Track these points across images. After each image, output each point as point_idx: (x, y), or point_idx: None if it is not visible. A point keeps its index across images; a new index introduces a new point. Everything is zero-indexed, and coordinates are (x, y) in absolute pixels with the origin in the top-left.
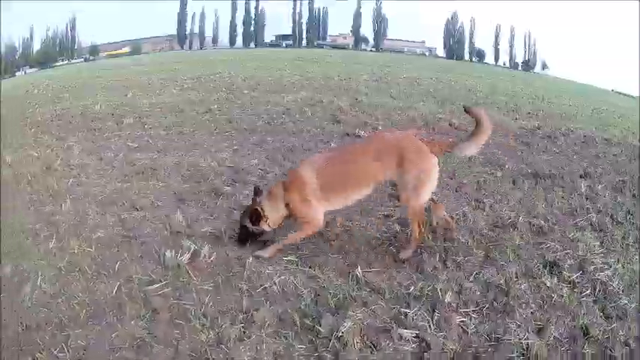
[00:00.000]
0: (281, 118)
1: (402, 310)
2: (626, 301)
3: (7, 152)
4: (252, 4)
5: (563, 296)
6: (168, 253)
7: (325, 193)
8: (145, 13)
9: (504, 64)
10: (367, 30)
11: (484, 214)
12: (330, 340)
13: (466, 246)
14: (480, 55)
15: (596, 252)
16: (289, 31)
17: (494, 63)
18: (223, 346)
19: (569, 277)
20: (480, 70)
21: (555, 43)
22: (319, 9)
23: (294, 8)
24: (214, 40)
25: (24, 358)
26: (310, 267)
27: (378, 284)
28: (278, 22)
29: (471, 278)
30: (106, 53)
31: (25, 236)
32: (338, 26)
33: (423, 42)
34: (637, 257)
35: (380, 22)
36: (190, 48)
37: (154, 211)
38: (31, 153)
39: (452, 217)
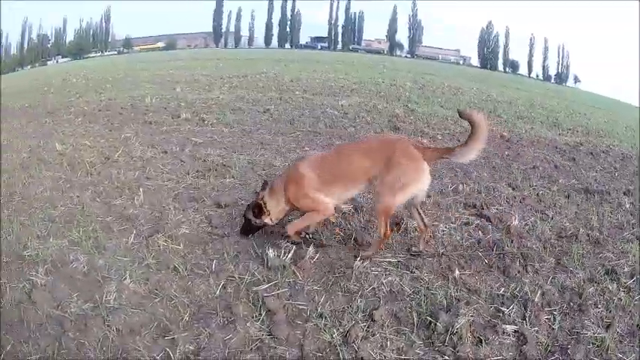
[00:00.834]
0: (341, 122)
1: (500, 308)
2: None
3: (54, 140)
4: (289, 5)
5: (621, 299)
6: (271, 253)
7: (323, 186)
8: (180, 10)
9: (537, 76)
10: (402, 36)
11: (549, 225)
12: (447, 336)
13: (538, 253)
14: (514, 66)
15: None
16: (324, 34)
17: (527, 74)
18: (351, 345)
19: (625, 283)
20: (514, 81)
21: (585, 56)
22: (355, 13)
23: (331, 11)
24: (250, 39)
25: None
26: (409, 269)
27: (474, 286)
28: (313, 24)
29: (549, 282)
30: (139, 47)
31: (93, 228)
32: (373, 31)
33: (458, 50)
34: None
35: (415, 29)
36: (225, 46)
37: (240, 209)
38: (83, 142)
39: (426, 227)
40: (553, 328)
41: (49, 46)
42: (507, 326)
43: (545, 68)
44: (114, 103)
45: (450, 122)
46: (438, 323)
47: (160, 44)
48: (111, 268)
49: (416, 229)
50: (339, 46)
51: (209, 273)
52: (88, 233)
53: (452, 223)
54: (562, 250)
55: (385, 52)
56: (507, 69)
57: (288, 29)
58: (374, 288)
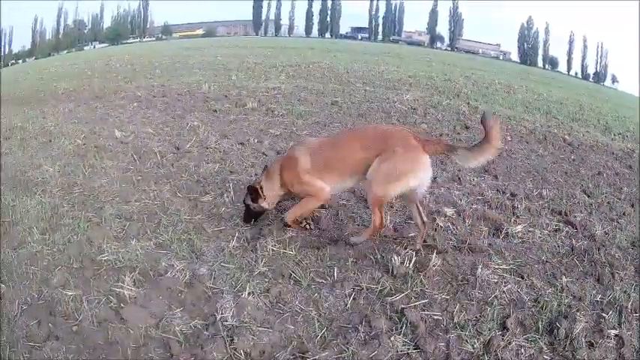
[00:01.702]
0: (412, 118)
1: (601, 314)
2: None
3: (110, 126)
4: None
5: None
6: (396, 260)
7: (317, 172)
8: None
9: (576, 74)
10: (442, 28)
11: (624, 233)
12: (567, 341)
13: (620, 261)
14: (553, 62)
15: None
16: (364, 24)
17: (566, 72)
18: (493, 354)
19: None
20: (555, 79)
21: (621, 57)
22: (396, 4)
23: (371, 1)
24: (290, 28)
25: None
26: (522, 277)
27: (578, 292)
28: (354, 14)
29: (632, 289)
30: (179, 34)
31: (183, 229)
32: (413, 23)
33: (498, 45)
34: None
35: (456, 22)
36: (265, 34)
37: (345, 210)
38: (145, 130)
39: (424, 225)
40: None
41: (85, 31)
42: (611, 331)
43: (584, 66)
44: (168, 89)
45: (514, 123)
46: (560, 329)
47: (200, 31)
48: (218, 278)
49: (515, 235)
50: (380, 37)
51: (332, 282)
52: (178, 235)
53: (544, 229)
54: (636, 258)
55: (426, 44)
56: (547, 66)
57: (328, 19)
58: (496, 296)
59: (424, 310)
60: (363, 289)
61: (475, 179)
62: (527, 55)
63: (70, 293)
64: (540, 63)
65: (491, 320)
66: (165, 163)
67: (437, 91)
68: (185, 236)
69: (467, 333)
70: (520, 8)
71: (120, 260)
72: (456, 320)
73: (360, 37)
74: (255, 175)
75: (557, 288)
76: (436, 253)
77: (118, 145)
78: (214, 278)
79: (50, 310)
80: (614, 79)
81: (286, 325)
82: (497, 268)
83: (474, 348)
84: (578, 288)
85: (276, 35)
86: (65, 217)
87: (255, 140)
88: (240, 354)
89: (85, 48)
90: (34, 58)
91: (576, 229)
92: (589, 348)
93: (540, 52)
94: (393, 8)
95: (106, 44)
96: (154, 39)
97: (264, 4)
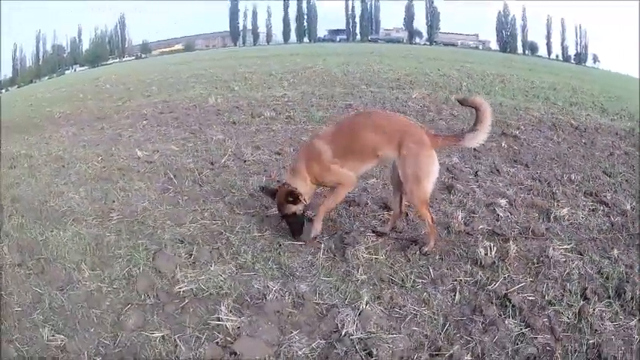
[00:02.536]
0: (428, 115)
1: None
2: None
3: (125, 146)
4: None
5: None
6: (480, 252)
7: (340, 160)
8: (195, 11)
9: (557, 57)
10: (419, 23)
11: None
12: (633, 302)
13: None
14: (533, 47)
15: None
16: (340, 25)
17: (547, 56)
18: (586, 321)
19: None
20: (538, 64)
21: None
22: (371, 3)
23: (347, 2)
24: (268, 36)
25: None
26: (581, 253)
27: (627, 262)
28: (329, 16)
29: None
30: (159, 50)
31: (261, 247)
32: (390, 20)
33: (476, 35)
34: None
35: (433, 16)
36: (244, 44)
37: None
38: (168, 147)
39: (401, 213)
40: None
41: (64, 55)
42: None
43: (564, 49)
44: (172, 104)
45: (522, 112)
46: (626, 293)
47: (178, 46)
48: (323, 293)
49: (562, 218)
50: (358, 37)
51: (431, 280)
52: (257, 253)
53: (583, 210)
54: None
55: (404, 40)
56: (527, 51)
57: (305, 23)
58: (568, 273)
59: (520, 293)
60: (461, 282)
61: (511, 170)
62: (506, 43)
63: (157, 334)
64: (520, 49)
65: (574, 294)
66: (206, 180)
67: (438, 87)
68: (266, 254)
69: (560, 307)
70: None
71: (202, 289)
72: (547, 298)
73: (338, 39)
74: None
75: (612, 260)
76: (511, 242)
77: (143, 165)
78: (319, 294)
79: (135, 357)
80: (595, 59)
81: (411, 328)
82: (559, 249)
83: (569, 319)
84: (626, 258)
85: (254, 44)
86: (114, 248)
87: (292, 149)
88: None
89: (66, 72)
90: (16, 86)
91: (609, 207)
92: None
93: (519, 38)
94: (369, 7)
95: (86, 67)
96: (133, 58)
97: (240, 14)
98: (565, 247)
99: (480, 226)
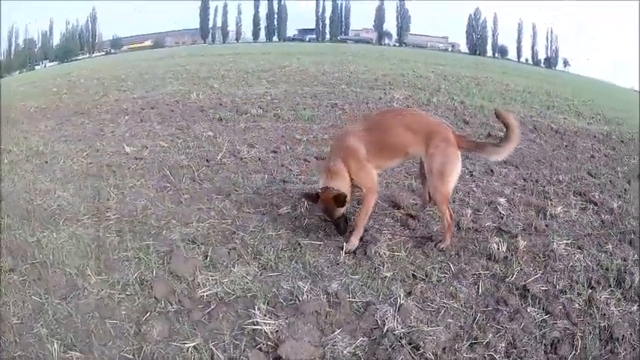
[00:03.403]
0: None
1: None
2: None
3: (113, 142)
4: None
5: None
6: (494, 248)
7: (371, 158)
8: (166, 8)
9: (527, 61)
10: (390, 25)
11: (631, 205)
12: (632, 290)
13: (637, 228)
14: (503, 51)
15: None
16: (309, 25)
17: (516, 59)
18: (595, 307)
19: None
20: (509, 67)
21: (573, 40)
22: (342, 3)
23: (317, 2)
24: (238, 34)
25: None
26: (580, 248)
27: (621, 255)
28: (299, 15)
29: None
30: (130, 46)
31: (281, 246)
32: (360, 20)
33: (446, 37)
34: None
35: (403, 17)
36: (213, 42)
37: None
38: (157, 143)
39: (430, 201)
40: None
41: (35, 50)
42: None
43: (534, 53)
44: (152, 100)
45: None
46: (625, 281)
47: (148, 43)
48: (355, 291)
49: (557, 215)
50: (327, 37)
51: (453, 275)
52: (277, 253)
53: (574, 208)
54: None
55: (374, 41)
56: (497, 54)
57: (275, 22)
58: (572, 265)
59: (535, 284)
60: (481, 275)
61: (503, 170)
62: (476, 46)
63: (188, 344)
64: (490, 52)
65: (582, 284)
66: (204, 178)
67: (417, 89)
68: (287, 254)
69: (571, 296)
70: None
71: (228, 292)
72: (558, 288)
73: (307, 39)
74: (315, 182)
75: (607, 253)
76: (519, 237)
77: (134, 162)
78: (351, 292)
79: None
80: (565, 63)
81: (446, 320)
82: (561, 243)
83: (580, 306)
84: (620, 251)
85: (224, 42)
86: (118, 250)
87: (287, 147)
88: (429, 357)
89: (36, 67)
90: None
91: (598, 206)
92: None
93: (490, 41)
94: (339, 8)
95: (57, 62)
96: (103, 53)
97: (211, 12)
98: (565, 242)
99: (487, 224)
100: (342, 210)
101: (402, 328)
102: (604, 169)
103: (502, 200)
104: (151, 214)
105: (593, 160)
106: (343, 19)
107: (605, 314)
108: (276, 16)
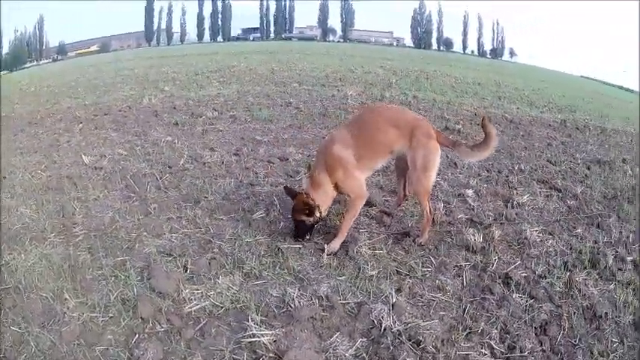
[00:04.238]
0: None
1: (616, 249)
2: None
3: (69, 152)
4: None
5: None
6: (470, 239)
7: (358, 162)
8: (110, 10)
9: (472, 53)
10: (334, 21)
11: (594, 191)
12: (608, 269)
13: (603, 211)
14: (448, 43)
15: None
16: (253, 24)
17: (462, 52)
18: (575, 289)
19: None
20: (455, 59)
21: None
22: (286, 3)
23: (262, 1)
24: (182, 35)
25: None
26: (551, 234)
27: (594, 237)
28: (243, 14)
29: (624, 230)
30: (75, 52)
31: (263, 252)
32: (305, 18)
33: (391, 32)
34: None
35: (347, 13)
36: (158, 44)
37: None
38: (116, 151)
39: (405, 197)
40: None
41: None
42: (627, 257)
43: (480, 44)
44: (104, 106)
45: (457, 108)
46: (600, 262)
47: (94, 47)
48: (345, 292)
49: (524, 204)
50: (272, 35)
51: (436, 268)
52: (260, 260)
53: (539, 196)
54: (612, 208)
55: (318, 38)
56: (442, 47)
57: (219, 22)
58: (547, 251)
59: (516, 271)
60: (463, 267)
61: (465, 162)
62: (421, 40)
63: None
64: (435, 45)
65: (559, 268)
66: (169, 185)
67: (369, 84)
68: (269, 260)
69: (551, 280)
70: None
71: (217, 305)
72: (537, 273)
73: (252, 38)
74: (278, 185)
75: (578, 237)
76: (493, 227)
77: (94, 173)
78: (341, 294)
79: None
80: (512, 53)
81: (439, 313)
82: (532, 230)
83: (560, 288)
84: (589, 234)
85: (168, 44)
86: (92, 269)
87: (249, 149)
88: (431, 350)
89: None
90: None
91: (561, 192)
92: (619, 271)
93: (434, 34)
94: (283, 6)
95: (6, 71)
96: (50, 60)
97: (156, 14)
98: (536, 229)
99: (459, 216)
100: (305, 218)
101: (399, 325)
102: (563, 157)
103: (470, 192)
104: (120, 227)
105: (551, 148)
106: (287, 16)
107: (585, 294)
108: (220, 15)
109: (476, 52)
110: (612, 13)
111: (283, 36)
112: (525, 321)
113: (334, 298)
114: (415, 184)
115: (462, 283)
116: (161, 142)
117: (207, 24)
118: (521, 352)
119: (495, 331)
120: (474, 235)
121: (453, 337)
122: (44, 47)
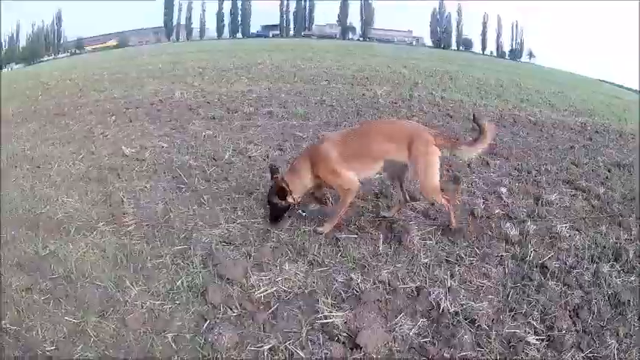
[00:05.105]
0: (401, 112)
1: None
2: None
3: (107, 144)
4: None
5: None
6: (509, 232)
7: (349, 164)
8: (128, 5)
9: (491, 53)
10: (354, 19)
11: (614, 192)
12: (628, 264)
13: (623, 212)
14: (467, 43)
15: None
16: (273, 21)
17: (481, 52)
18: (603, 279)
19: None
20: (475, 59)
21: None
22: (306, 2)
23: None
24: (202, 31)
25: None
26: (578, 230)
27: (612, 234)
28: (262, 11)
29: None
30: (92, 47)
31: (322, 241)
32: (325, 16)
33: (410, 31)
34: None
35: (367, 11)
36: (177, 39)
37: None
38: (157, 144)
39: (406, 202)
40: None
41: (2, 53)
42: None
43: (499, 45)
44: (134, 99)
45: (482, 109)
46: (622, 256)
47: (112, 42)
48: (405, 277)
49: (553, 202)
50: (292, 33)
51: (480, 258)
52: (322, 249)
53: (566, 195)
54: (632, 208)
55: (337, 36)
56: (461, 47)
57: (239, 18)
58: (576, 245)
59: (550, 262)
60: (504, 257)
61: (496, 162)
62: (440, 39)
63: (265, 347)
64: (454, 45)
65: (587, 260)
66: (218, 178)
67: (396, 84)
68: (328, 249)
69: (581, 270)
70: None
71: (286, 290)
72: (568, 264)
73: (271, 35)
74: None
75: (602, 234)
76: (529, 222)
77: (137, 164)
78: (401, 279)
79: None
80: (530, 55)
81: (488, 297)
82: (562, 227)
83: (589, 278)
84: (612, 232)
85: (188, 40)
86: (150, 258)
87: (292, 144)
88: (485, 328)
89: (4, 70)
90: None
91: (585, 192)
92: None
93: (454, 34)
94: (303, 5)
95: (22, 65)
96: (67, 55)
97: (175, 9)
98: (565, 225)
99: (496, 211)
100: (277, 201)
101: (455, 306)
102: (585, 159)
103: (503, 190)
104: (174, 218)
105: (573, 150)
106: (307, 14)
107: (610, 284)
108: (240, 12)
109: (494, 53)
110: (633, 15)
111: (302, 34)
112: (561, 305)
113: (395, 283)
114: (423, 189)
115: (504, 272)
116: (201, 135)
117: (226, 20)
118: (559, 330)
119: (536, 313)
120: (510, 229)
121: (500, 317)
122: (62, 41)
